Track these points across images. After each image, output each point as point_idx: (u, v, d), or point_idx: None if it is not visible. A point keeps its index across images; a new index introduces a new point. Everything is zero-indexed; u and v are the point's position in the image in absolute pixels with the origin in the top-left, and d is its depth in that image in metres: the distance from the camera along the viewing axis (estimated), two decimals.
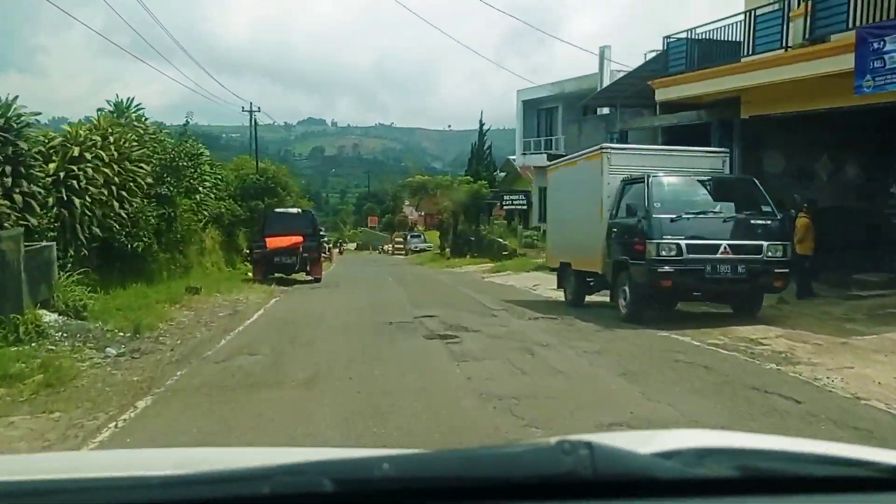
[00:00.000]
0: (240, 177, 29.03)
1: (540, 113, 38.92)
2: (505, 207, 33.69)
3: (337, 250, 50.80)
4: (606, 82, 27.70)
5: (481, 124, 47.13)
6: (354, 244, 76.98)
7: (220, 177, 23.22)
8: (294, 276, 22.33)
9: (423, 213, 76.57)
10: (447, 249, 43.27)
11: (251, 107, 52.30)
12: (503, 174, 46.59)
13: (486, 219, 42.43)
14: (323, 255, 46.83)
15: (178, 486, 1.02)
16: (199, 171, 19.25)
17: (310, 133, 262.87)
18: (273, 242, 21.12)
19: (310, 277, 22.28)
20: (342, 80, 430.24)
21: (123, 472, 1.21)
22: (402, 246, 59.64)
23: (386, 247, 65.34)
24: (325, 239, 57.66)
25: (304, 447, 2.38)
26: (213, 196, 20.87)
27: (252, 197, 27.49)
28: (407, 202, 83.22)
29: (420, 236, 59.15)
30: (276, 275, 21.30)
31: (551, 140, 37.16)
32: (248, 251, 23.53)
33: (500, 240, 33.23)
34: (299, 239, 21.33)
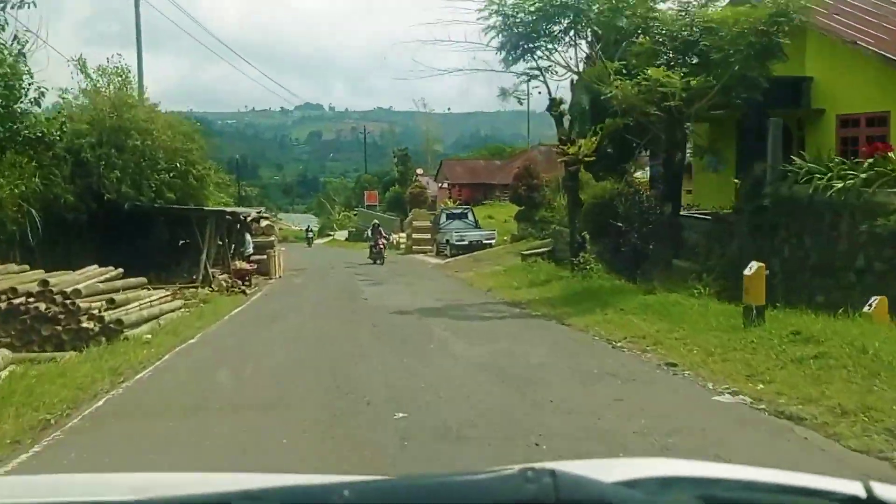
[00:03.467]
0: None
1: None
2: None
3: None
4: None
5: None
6: (346, 232, 47.15)
7: None
8: None
9: (446, 184, 46.53)
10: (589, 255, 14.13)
11: None
12: None
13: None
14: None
15: None
16: None
17: (307, 118, 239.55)
18: None
19: None
20: (340, 64, 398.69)
21: (78, 497, 1.13)
22: (428, 236, 30.14)
23: (397, 237, 35.60)
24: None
25: (265, 473, 1.33)
26: None
27: None
28: (420, 170, 52.79)
29: (467, 215, 29.48)
30: None
31: None
32: None
33: None
34: None
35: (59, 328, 8.45)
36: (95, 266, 10.94)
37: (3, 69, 11.31)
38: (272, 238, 22.74)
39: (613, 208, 14.80)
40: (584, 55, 13.74)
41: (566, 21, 12.65)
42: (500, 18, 12.72)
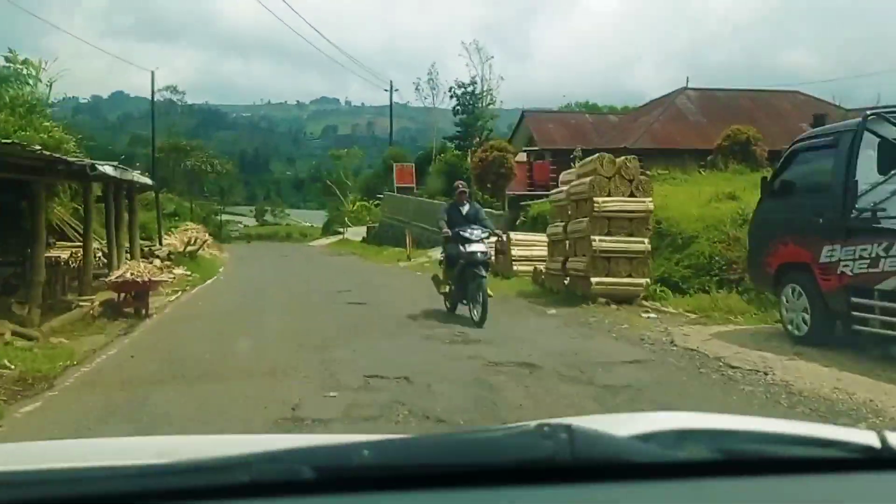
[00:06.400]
0: None
1: None
2: None
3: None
4: None
5: None
6: (363, 230, 30.76)
7: None
8: None
9: (524, 154, 26.05)
10: None
11: None
12: None
13: None
14: None
15: (155, 475, 0.94)
16: None
17: (322, 112, 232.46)
18: None
19: None
20: (355, 59, 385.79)
21: (101, 462, 1.09)
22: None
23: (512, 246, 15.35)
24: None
25: (285, 434, 1.85)
26: None
27: None
28: (477, 139, 32.48)
29: None
30: None
31: None
32: None
33: None
34: None
35: None
36: None
37: None
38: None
39: None
40: None
41: None
42: None
